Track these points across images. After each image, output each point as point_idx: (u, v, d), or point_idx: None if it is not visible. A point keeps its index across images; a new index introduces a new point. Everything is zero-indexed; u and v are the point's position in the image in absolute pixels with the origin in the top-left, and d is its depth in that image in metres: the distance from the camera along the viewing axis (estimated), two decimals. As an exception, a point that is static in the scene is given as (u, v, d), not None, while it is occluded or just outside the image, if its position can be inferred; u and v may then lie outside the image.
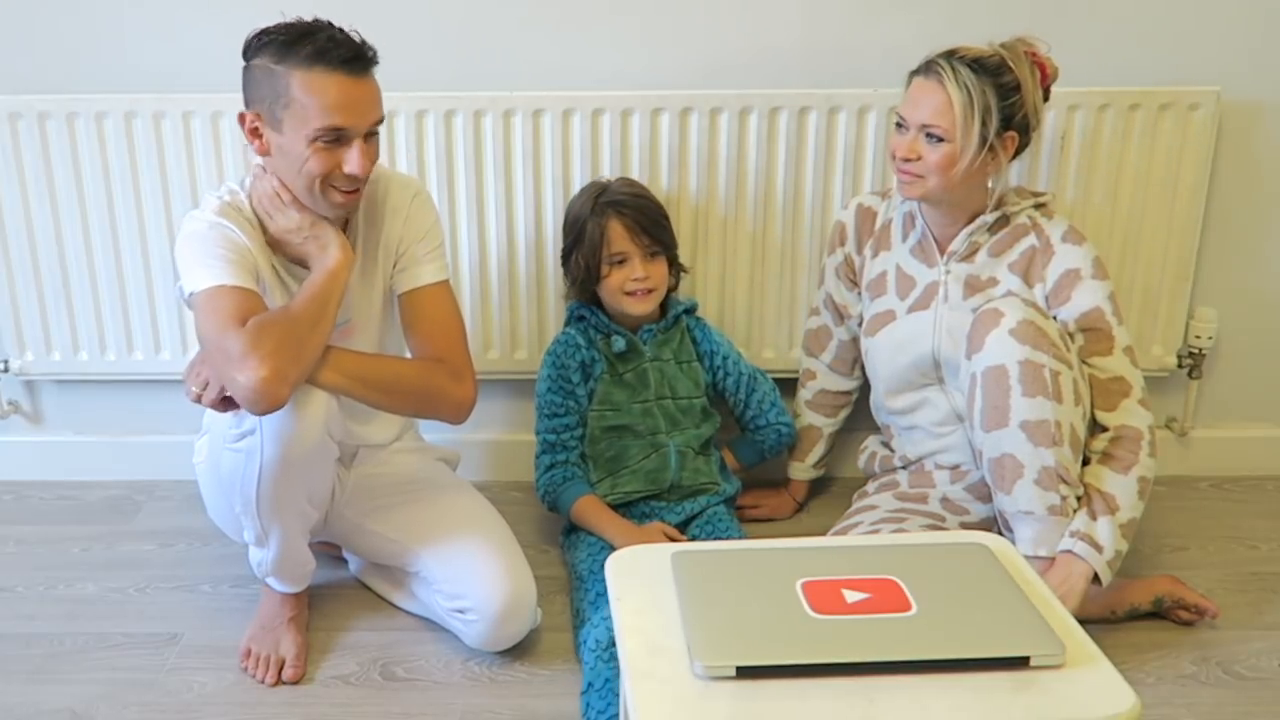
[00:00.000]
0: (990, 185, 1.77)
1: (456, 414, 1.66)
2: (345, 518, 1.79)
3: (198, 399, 1.53)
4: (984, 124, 1.67)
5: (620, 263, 1.87)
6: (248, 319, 1.45)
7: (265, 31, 1.51)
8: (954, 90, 1.66)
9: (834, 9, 2.00)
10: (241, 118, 1.55)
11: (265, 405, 1.43)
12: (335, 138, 1.51)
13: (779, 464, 2.19)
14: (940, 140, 1.68)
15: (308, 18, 1.53)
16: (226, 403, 1.49)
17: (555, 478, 1.93)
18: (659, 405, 1.94)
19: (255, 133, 1.55)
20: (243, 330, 1.43)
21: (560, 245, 2.05)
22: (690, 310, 2.01)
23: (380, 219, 1.69)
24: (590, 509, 1.89)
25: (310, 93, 1.48)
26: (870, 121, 2.01)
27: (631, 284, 1.87)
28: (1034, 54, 1.73)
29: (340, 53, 1.48)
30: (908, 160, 1.71)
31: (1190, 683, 1.65)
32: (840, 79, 2.01)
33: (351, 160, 1.52)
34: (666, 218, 1.92)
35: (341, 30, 1.51)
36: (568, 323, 1.98)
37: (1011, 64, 1.69)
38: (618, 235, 1.85)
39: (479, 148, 2.02)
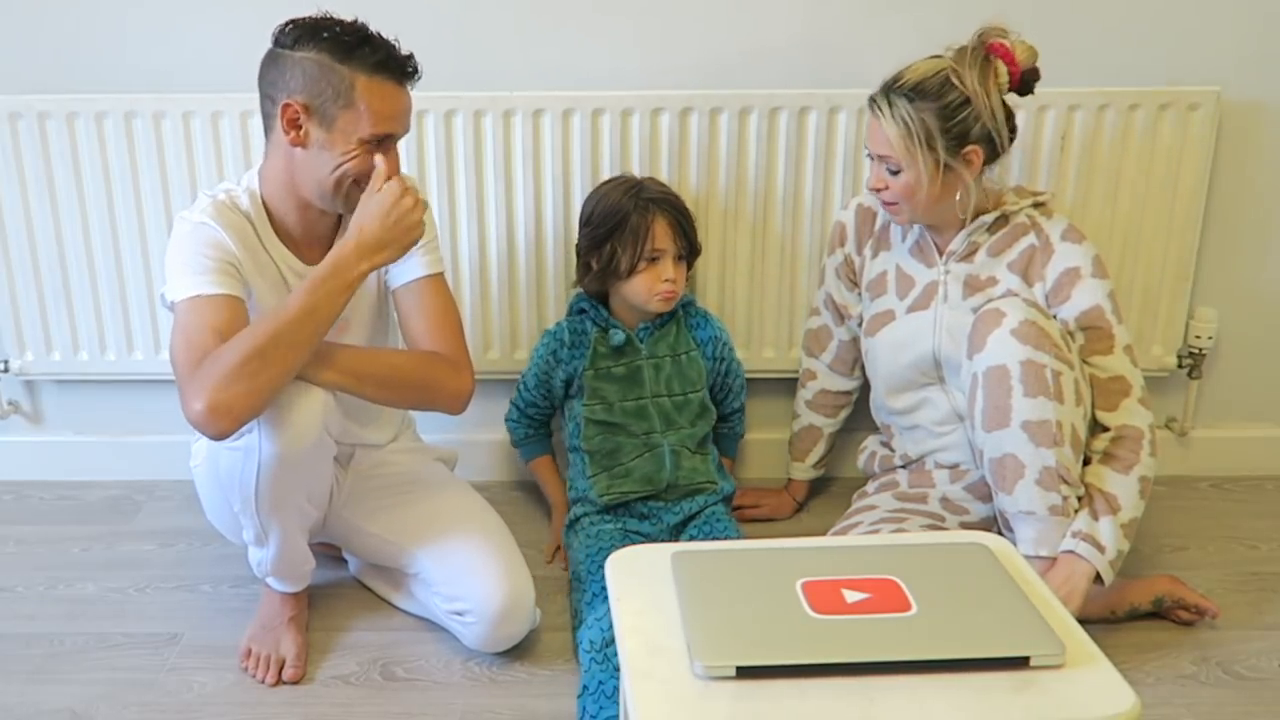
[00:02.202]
0: (958, 197, 1.75)
1: (454, 404, 1.66)
2: (343, 518, 1.79)
3: None
4: (930, 149, 1.68)
5: (654, 260, 1.86)
6: (215, 334, 1.46)
7: (315, 24, 1.53)
8: (889, 125, 1.68)
9: (834, 9, 2.00)
10: (286, 107, 1.53)
11: (209, 435, 1.44)
12: (381, 143, 1.56)
13: (779, 464, 2.19)
14: (897, 171, 1.71)
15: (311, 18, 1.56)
16: None
17: (519, 431, 2.08)
18: (654, 403, 1.94)
19: (295, 123, 1.54)
20: (195, 360, 1.44)
21: (557, 241, 2.06)
22: (686, 305, 2.01)
23: None
24: (543, 470, 2.09)
25: (373, 98, 1.53)
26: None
27: (662, 285, 1.87)
28: (997, 47, 1.69)
29: (402, 66, 1.56)
30: (877, 190, 1.75)
31: (1190, 683, 1.65)
32: (840, 79, 2.02)
33: (390, 162, 1.58)
34: (695, 221, 1.94)
35: (387, 39, 1.57)
36: (569, 315, 1.99)
37: (958, 79, 1.66)
38: (662, 232, 1.86)
39: (479, 148, 2.02)
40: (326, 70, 1.51)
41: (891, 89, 1.70)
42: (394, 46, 1.56)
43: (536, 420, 2.05)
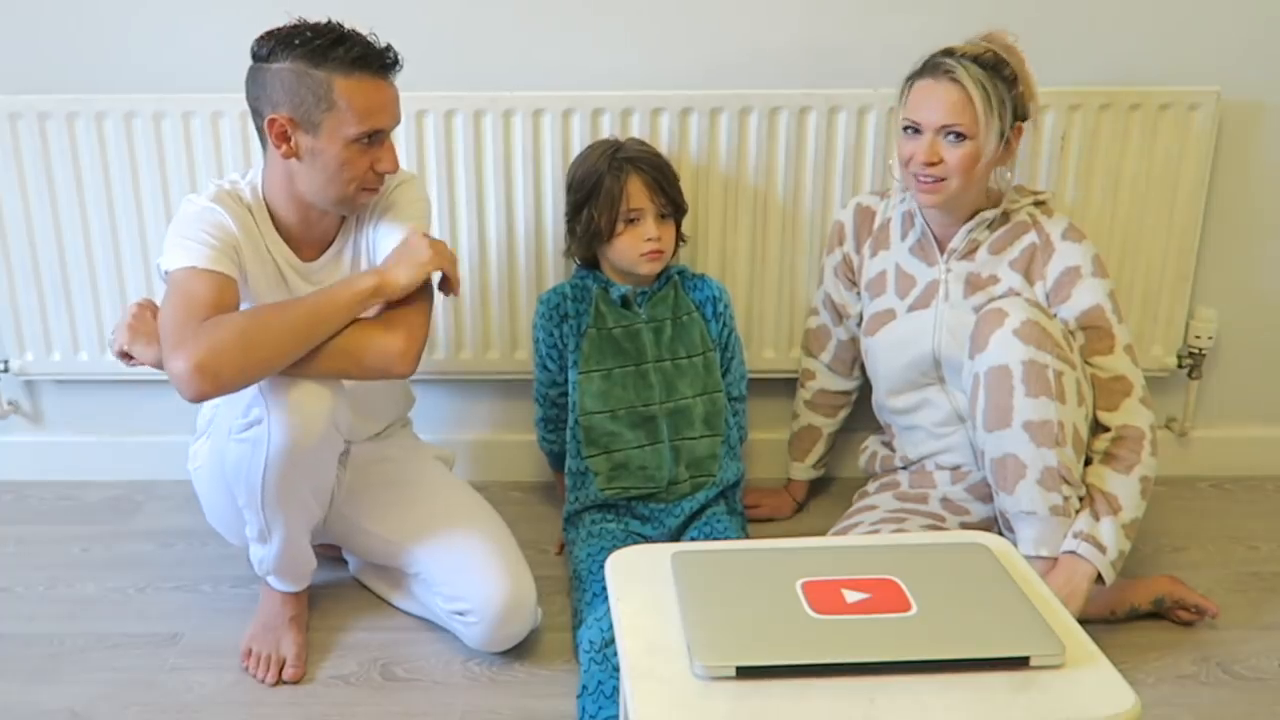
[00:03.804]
0: (994, 183, 1.77)
1: (387, 366, 1.56)
2: (344, 517, 1.79)
3: (121, 355, 1.61)
4: (1000, 117, 1.68)
5: (633, 221, 1.83)
6: (209, 303, 1.48)
7: (287, 34, 1.52)
8: (973, 87, 1.67)
9: (834, 9, 2.00)
10: (272, 122, 1.54)
11: (186, 394, 1.44)
12: (373, 139, 1.56)
13: (779, 464, 2.18)
14: (962, 138, 1.68)
15: (310, 19, 1.55)
16: (125, 356, 1.59)
17: (541, 438, 2.05)
18: (656, 368, 1.90)
19: (284, 137, 1.54)
20: (190, 320, 1.45)
21: (557, 241, 2.06)
22: (681, 271, 1.97)
23: (369, 210, 1.69)
24: (560, 484, 2.05)
25: (353, 96, 1.52)
26: (870, 121, 2.01)
27: (645, 244, 1.83)
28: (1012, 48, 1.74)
29: (378, 58, 1.54)
30: (930, 165, 1.70)
31: (1190, 683, 1.65)
32: (840, 79, 2.02)
33: (387, 159, 1.58)
34: (679, 180, 1.89)
35: (363, 35, 1.55)
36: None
37: (1007, 55, 1.70)
38: (636, 191, 1.82)
39: (479, 148, 2.02)
40: (303, 77, 1.51)
41: (955, 57, 1.69)
42: (370, 41, 1.54)
43: (556, 403, 1.97)
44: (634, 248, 1.84)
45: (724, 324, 1.98)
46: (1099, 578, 1.64)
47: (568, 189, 1.91)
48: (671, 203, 1.87)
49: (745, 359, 2.05)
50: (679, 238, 1.93)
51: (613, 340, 1.91)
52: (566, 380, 1.94)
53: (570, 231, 1.91)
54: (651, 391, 1.90)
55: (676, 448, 1.91)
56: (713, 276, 2.03)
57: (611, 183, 1.82)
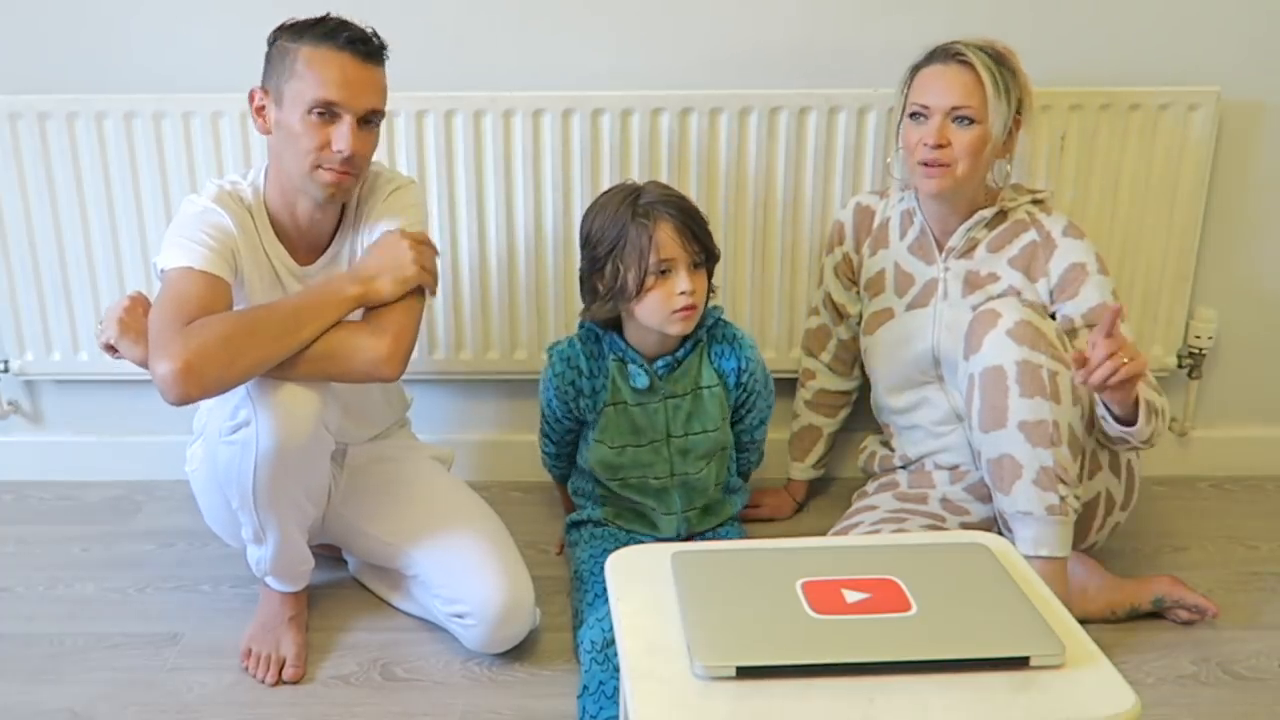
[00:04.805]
0: (992, 181, 1.78)
1: (373, 370, 1.55)
2: (342, 518, 1.79)
3: (106, 347, 1.62)
4: (1007, 103, 1.70)
5: (665, 273, 1.65)
6: (200, 306, 1.48)
7: (290, 21, 1.58)
8: (983, 70, 1.69)
9: (834, 9, 2.00)
10: (251, 95, 1.59)
11: (170, 398, 1.44)
12: (329, 113, 1.54)
13: (779, 464, 2.18)
14: (971, 122, 1.70)
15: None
16: (110, 349, 1.60)
17: (550, 466, 2.00)
18: (668, 444, 1.80)
19: (260, 110, 1.59)
20: (179, 322, 1.45)
21: (557, 242, 2.06)
22: (713, 326, 1.81)
23: (364, 215, 1.70)
24: (564, 498, 2.02)
25: (312, 66, 1.53)
26: (870, 121, 2.01)
27: (680, 299, 1.64)
28: None
29: (347, 34, 1.55)
30: (939, 147, 1.70)
31: (1190, 683, 1.65)
32: (840, 79, 2.02)
33: (340, 137, 1.54)
34: (708, 223, 1.71)
35: (355, 24, 1.58)
36: (579, 330, 1.83)
37: (1006, 51, 1.72)
38: (667, 239, 1.64)
39: (479, 148, 2.02)
40: (281, 52, 1.56)
41: (963, 46, 1.71)
42: (354, 24, 1.56)
43: (565, 441, 1.90)
44: (666, 304, 1.66)
45: (746, 390, 1.83)
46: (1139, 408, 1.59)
47: (583, 244, 1.72)
48: (704, 249, 1.69)
49: (772, 402, 1.93)
50: (709, 287, 1.75)
51: (629, 417, 1.79)
52: (581, 423, 1.84)
53: (589, 291, 1.72)
54: (665, 465, 1.81)
55: (688, 517, 1.87)
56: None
57: (638, 232, 1.63)
